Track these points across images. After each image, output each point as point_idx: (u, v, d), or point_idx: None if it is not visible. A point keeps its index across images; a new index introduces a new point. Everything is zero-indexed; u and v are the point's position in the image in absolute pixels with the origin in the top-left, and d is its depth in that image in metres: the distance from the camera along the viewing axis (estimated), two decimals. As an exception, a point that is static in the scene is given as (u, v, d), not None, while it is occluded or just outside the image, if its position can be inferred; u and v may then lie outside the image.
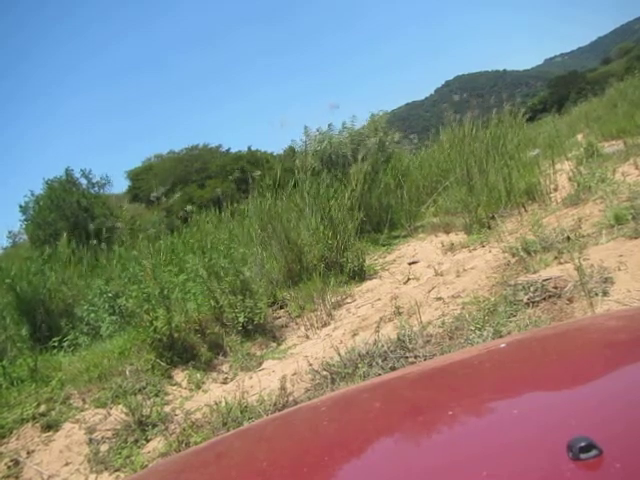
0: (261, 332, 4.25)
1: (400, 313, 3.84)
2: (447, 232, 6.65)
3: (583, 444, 0.57)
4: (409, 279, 4.95)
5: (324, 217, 5.61)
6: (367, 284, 5.24)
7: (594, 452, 0.57)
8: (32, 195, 17.42)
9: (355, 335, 3.75)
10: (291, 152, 8.75)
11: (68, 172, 24.58)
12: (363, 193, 7.58)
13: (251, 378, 3.58)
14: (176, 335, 3.81)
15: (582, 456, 0.57)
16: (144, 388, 3.48)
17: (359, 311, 4.43)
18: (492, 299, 3.36)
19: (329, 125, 7.81)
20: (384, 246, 7.06)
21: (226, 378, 3.69)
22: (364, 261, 5.62)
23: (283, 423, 1.12)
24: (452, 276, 4.49)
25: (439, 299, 3.95)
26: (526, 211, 6.64)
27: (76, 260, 7.87)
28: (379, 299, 4.58)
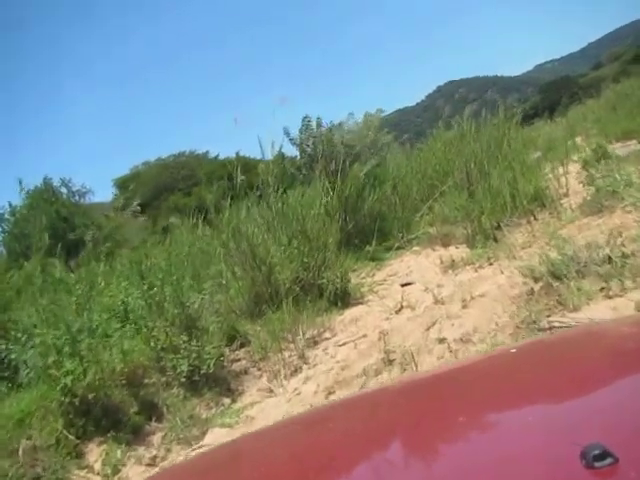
0: (211, 384, 3.27)
1: (391, 361, 2.89)
2: (446, 245, 5.71)
3: (597, 452, 0.54)
4: (402, 307, 4.00)
5: (297, 230, 4.65)
6: (351, 312, 4.28)
7: (609, 460, 0.54)
8: (10, 206, 16.55)
9: (331, 394, 2.80)
10: (281, 157, 7.79)
11: (46, 181, 23.56)
12: (351, 199, 6.66)
13: (188, 457, 2.59)
14: (91, 396, 2.82)
15: (596, 464, 0.54)
16: (38, 479, 2.48)
17: (339, 353, 3.47)
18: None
19: (317, 123, 6.86)
20: (373, 261, 6.11)
21: (155, 457, 2.71)
22: (348, 282, 4.67)
23: (281, 434, 1.09)
24: (457, 306, 3.55)
25: (442, 341, 3.01)
26: (536, 219, 5.73)
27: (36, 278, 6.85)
28: (365, 335, 3.62)
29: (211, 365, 3.19)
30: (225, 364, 3.61)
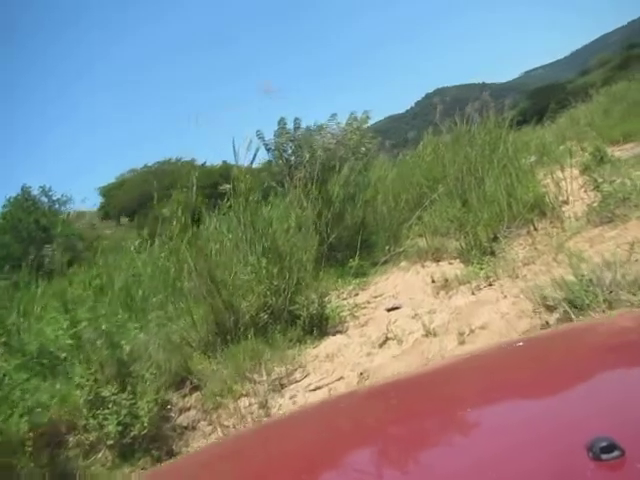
0: (148, 445, 2.60)
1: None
2: (437, 260, 5.10)
3: (604, 444, 0.55)
4: (387, 339, 3.36)
5: (267, 247, 4.01)
6: (328, 343, 3.63)
7: (616, 452, 0.54)
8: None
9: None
10: (268, 165, 7.12)
11: (25, 190, 22.70)
12: (334, 209, 6.04)
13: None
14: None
15: (603, 457, 0.54)
16: None
17: (310, 400, 2.82)
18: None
19: (295, 126, 6.20)
20: (357, 277, 5.48)
21: None
22: (325, 307, 4.02)
23: (282, 428, 1.08)
24: (453, 340, 2.92)
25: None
26: (536, 230, 5.14)
27: None
28: (341, 377, 2.99)
29: (145, 423, 2.52)
30: (172, 414, 2.95)
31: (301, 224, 4.67)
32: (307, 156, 5.48)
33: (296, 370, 3.28)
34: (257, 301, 3.76)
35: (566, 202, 5.68)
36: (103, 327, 2.79)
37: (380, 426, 0.93)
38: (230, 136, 5.40)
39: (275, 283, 3.75)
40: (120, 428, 2.51)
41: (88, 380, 2.63)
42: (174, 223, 4.41)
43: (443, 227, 5.65)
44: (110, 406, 2.55)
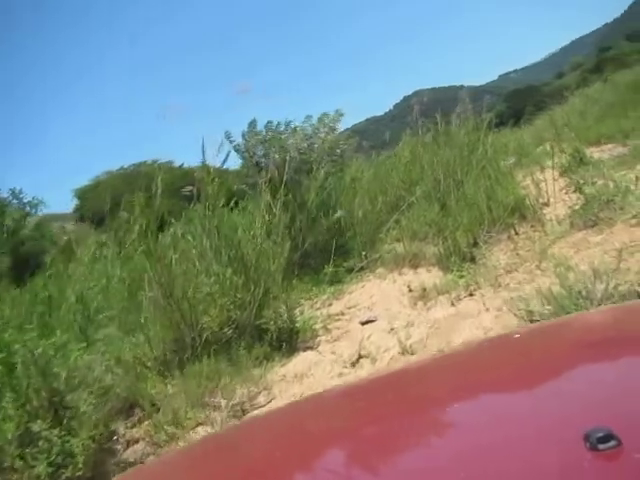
0: (85, 488, 2.27)
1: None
2: (415, 266, 4.84)
3: (601, 434, 0.55)
4: (360, 357, 3.08)
5: (233, 256, 3.70)
6: (297, 361, 3.34)
7: (613, 442, 0.54)
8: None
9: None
10: (240, 168, 6.75)
11: (-8, 192, 21.94)
12: (308, 213, 5.75)
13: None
14: None
15: (600, 447, 0.54)
16: None
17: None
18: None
19: (266, 128, 5.88)
20: (332, 285, 5.20)
21: None
22: (295, 320, 3.73)
23: (277, 418, 1.08)
24: (431, 360, 2.64)
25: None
26: (517, 234, 4.93)
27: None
28: (309, 402, 2.68)
29: (80, 464, 2.19)
30: (118, 446, 2.61)
31: (271, 230, 4.35)
32: (277, 158, 5.17)
33: (260, 393, 2.97)
34: (220, 315, 3.45)
35: (547, 204, 5.50)
36: (38, 350, 2.45)
37: (373, 419, 0.91)
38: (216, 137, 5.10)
39: (239, 296, 3.43)
40: (51, 469, 2.18)
41: (18, 411, 2.29)
42: (133, 229, 4.08)
43: (421, 231, 5.41)
44: (40, 443, 2.21)
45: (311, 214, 5.83)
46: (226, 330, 3.44)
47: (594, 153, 7.67)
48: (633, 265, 2.97)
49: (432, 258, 4.81)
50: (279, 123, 6.05)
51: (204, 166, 4.22)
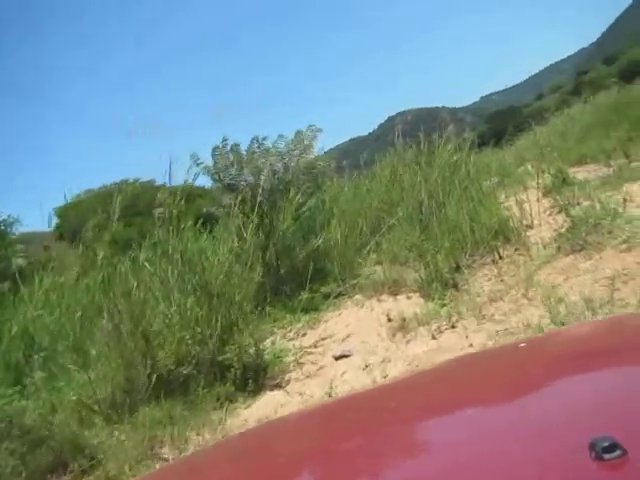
0: None
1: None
2: (395, 293, 4.57)
3: (607, 444, 0.54)
4: (331, 398, 2.76)
5: (196, 284, 3.38)
6: (262, 403, 3.01)
7: (618, 452, 0.53)
8: None
9: None
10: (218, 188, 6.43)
11: (-33, 210, 21.34)
12: (283, 237, 5.47)
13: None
14: None
15: (606, 456, 0.53)
16: None
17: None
18: None
19: (234, 149, 5.59)
20: (307, 313, 4.89)
21: None
22: (263, 354, 3.41)
23: (281, 428, 1.09)
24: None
25: None
26: (501, 258, 4.70)
27: None
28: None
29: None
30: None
31: (240, 255, 4.05)
32: (250, 179, 4.90)
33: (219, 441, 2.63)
34: (177, 350, 3.12)
35: (531, 226, 5.29)
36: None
37: (379, 427, 0.90)
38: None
39: (198, 329, 3.11)
40: None
41: None
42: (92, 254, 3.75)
43: (402, 255, 5.15)
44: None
45: (286, 237, 5.55)
46: (184, 367, 3.11)
47: (577, 173, 7.54)
48: (627, 296, 2.73)
49: (413, 284, 4.54)
50: (256, 141, 5.80)
51: (167, 187, 3.92)
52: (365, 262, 5.70)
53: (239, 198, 4.74)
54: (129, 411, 2.94)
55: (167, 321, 3.20)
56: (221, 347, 3.26)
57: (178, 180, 5.15)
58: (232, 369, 3.19)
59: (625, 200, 4.31)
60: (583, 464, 0.55)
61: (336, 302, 5.00)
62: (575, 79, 47.75)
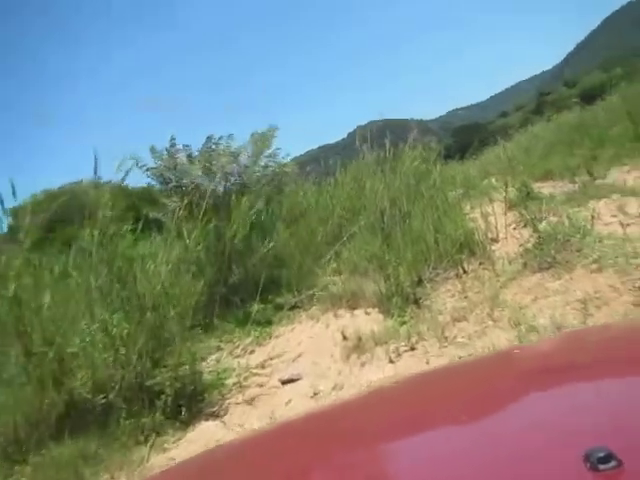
0: None
1: None
2: (353, 307, 4.25)
3: (602, 454, 0.54)
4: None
5: (126, 297, 2.95)
6: (194, 436, 2.61)
7: (613, 463, 0.54)
8: None
9: None
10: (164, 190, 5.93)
11: None
12: (235, 243, 5.07)
13: None
14: None
15: (601, 467, 0.54)
16: None
17: None
18: None
19: (171, 146, 5.15)
20: (259, 326, 4.52)
21: None
22: (201, 376, 3.01)
23: (278, 434, 1.06)
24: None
25: None
26: (466, 272, 4.46)
27: None
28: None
29: None
30: None
31: (185, 264, 3.65)
32: (201, 181, 4.50)
33: (136, 485, 2.23)
34: (95, 376, 2.68)
35: (496, 240, 5.08)
36: None
37: (367, 434, 0.88)
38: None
39: (122, 352, 2.69)
40: None
41: None
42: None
43: (362, 266, 4.85)
44: None
45: (240, 244, 5.17)
46: (106, 395, 2.68)
47: (542, 188, 7.47)
48: (601, 321, 2.48)
49: (372, 297, 4.24)
50: (209, 141, 5.40)
51: (95, 184, 3.49)
52: (324, 271, 5.38)
53: (185, 201, 4.33)
54: (35, 448, 2.49)
55: (88, 340, 2.76)
56: (151, 369, 2.84)
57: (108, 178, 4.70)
58: (163, 395, 2.78)
59: (593, 217, 4.14)
60: (578, 475, 0.55)
61: (290, 315, 4.64)
62: (537, 99, 49.36)
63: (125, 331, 2.75)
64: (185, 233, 3.86)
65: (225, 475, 0.89)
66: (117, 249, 3.16)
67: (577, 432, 0.68)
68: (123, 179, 3.58)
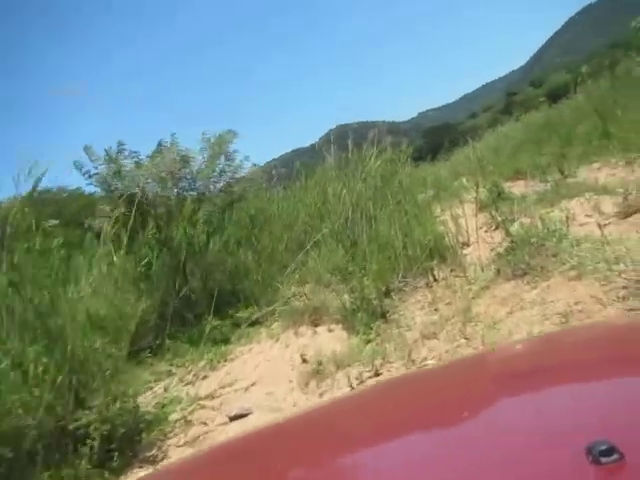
0: None
1: None
2: (316, 323, 3.91)
3: (604, 448, 0.54)
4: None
5: (41, 328, 2.54)
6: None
7: (615, 456, 0.53)
8: None
9: None
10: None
11: None
12: (186, 253, 4.69)
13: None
14: None
15: (603, 460, 0.53)
16: None
17: None
18: None
19: (133, 157, 4.74)
20: (215, 345, 4.14)
21: None
22: (138, 413, 2.62)
23: (279, 432, 1.03)
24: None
25: None
26: (436, 281, 4.18)
27: None
28: None
29: None
30: None
31: (123, 281, 3.25)
32: (148, 187, 4.10)
33: None
34: (7, 421, 2.27)
35: (467, 244, 4.82)
36: None
37: (367, 432, 0.88)
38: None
39: (36, 393, 2.28)
40: None
41: None
42: None
43: (326, 278, 4.52)
44: None
45: (193, 254, 4.78)
46: (18, 444, 2.27)
47: (513, 188, 7.29)
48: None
49: (336, 312, 3.91)
50: (160, 145, 5.00)
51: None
52: (288, 283, 5.02)
53: (131, 210, 3.93)
54: None
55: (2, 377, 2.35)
56: (76, 410, 2.44)
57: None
58: (89, 439, 2.38)
59: (568, 218, 3.89)
60: (580, 468, 0.54)
61: (250, 332, 4.27)
62: (506, 99, 50.07)
63: (42, 367, 2.34)
64: (124, 246, 3.45)
65: (219, 476, 0.87)
66: (30, 268, 2.74)
67: (579, 426, 0.67)
68: (34, 187, 3.14)
